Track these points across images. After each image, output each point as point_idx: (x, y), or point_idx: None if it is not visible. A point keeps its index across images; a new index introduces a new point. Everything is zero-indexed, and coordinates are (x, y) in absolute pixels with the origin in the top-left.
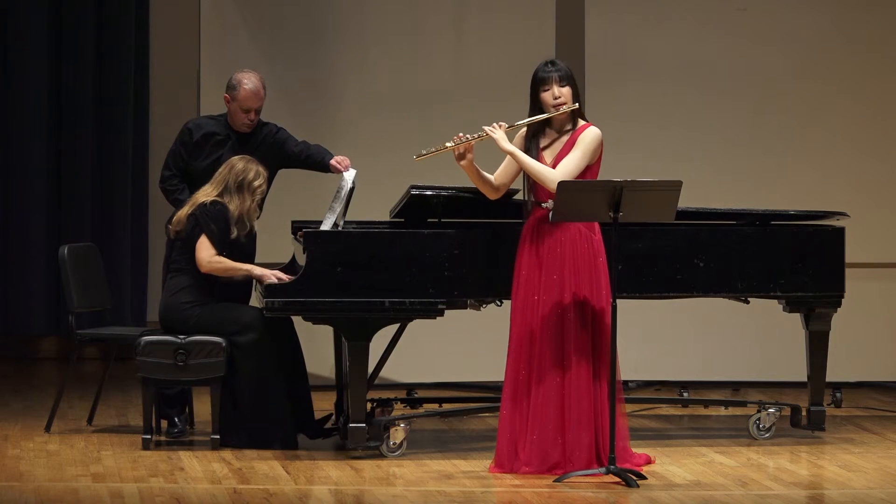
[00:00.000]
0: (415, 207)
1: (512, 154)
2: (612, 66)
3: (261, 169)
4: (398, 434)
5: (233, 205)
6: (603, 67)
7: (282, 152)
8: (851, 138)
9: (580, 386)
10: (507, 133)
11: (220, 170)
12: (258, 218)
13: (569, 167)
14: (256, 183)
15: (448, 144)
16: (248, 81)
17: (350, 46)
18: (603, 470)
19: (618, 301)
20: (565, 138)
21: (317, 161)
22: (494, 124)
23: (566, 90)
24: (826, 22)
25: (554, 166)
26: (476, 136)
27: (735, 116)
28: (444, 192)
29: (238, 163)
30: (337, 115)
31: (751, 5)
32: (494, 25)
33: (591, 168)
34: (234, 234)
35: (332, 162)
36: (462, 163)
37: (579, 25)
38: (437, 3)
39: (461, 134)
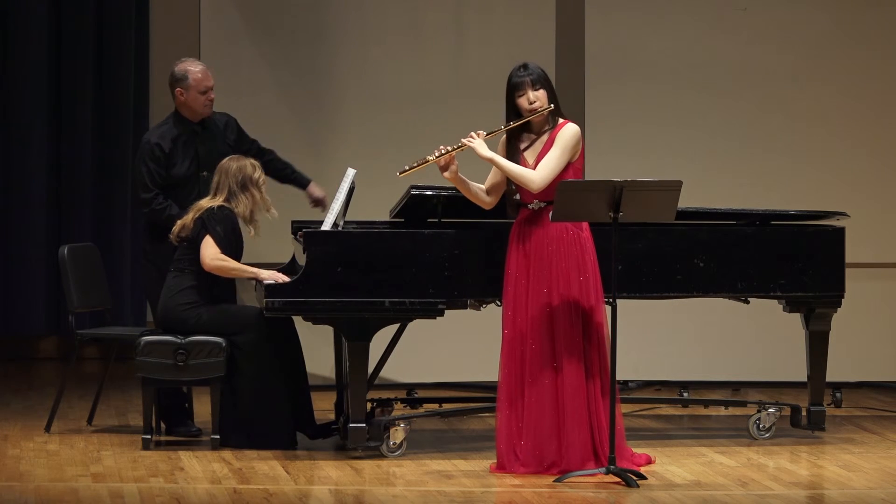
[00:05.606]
0: (415, 207)
1: (492, 160)
2: (612, 66)
3: (252, 161)
4: (398, 434)
5: (241, 206)
6: (603, 67)
7: (242, 136)
8: (851, 138)
9: (573, 384)
10: (487, 140)
11: (215, 179)
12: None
13: (549, 165)
14: (256, 175)
15: (429, 158)
16: (193, 65)
17: (350, 46)
18: (603, 470)
19: (618, 301)
20: (545, 138)
21: (300, 179)
22: (472, 133)
23: (541, 93)
24: (826, 22)
25: (535, 167)
26: (455, 146)
27: (735, 116)
28: (444, 192)
29: (231, 164)
30: (337, 115)
31: (751, 5)
32: (494, 25)
33: (572, 165)
34: (252, 233)
35: (312, 189)
36: (446, 174)
37: (579, 25)
38: (437, 3)
39: (441, 146)
